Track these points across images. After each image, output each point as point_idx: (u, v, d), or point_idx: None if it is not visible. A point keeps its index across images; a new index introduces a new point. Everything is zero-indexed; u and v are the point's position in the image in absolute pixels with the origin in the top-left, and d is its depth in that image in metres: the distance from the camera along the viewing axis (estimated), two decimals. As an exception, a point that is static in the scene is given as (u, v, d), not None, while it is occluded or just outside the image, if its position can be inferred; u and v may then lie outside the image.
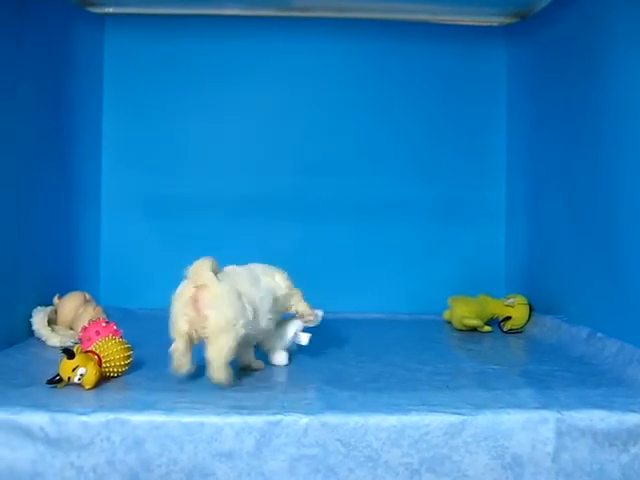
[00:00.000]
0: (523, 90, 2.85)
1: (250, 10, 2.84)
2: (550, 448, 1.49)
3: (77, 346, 1.76)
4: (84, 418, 1.45)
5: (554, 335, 2.36)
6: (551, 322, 2.44)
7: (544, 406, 1.54)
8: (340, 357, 2.10)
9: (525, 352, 2.34)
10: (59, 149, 2.59)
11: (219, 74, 2.91)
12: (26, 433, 1.44)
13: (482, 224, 2.97)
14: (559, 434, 1.49)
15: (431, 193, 2.95)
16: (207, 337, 1.68)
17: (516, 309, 2.61)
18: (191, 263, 1.73)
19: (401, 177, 2.94)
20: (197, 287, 1.69)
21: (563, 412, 1.51)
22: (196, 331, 1.69)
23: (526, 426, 1.49)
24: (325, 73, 2.94)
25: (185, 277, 1.72)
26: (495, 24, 2.96)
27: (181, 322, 1.69)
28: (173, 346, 1.70)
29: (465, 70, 2.97)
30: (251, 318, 1.75)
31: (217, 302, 1.68)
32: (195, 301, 1.68)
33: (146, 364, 1.94)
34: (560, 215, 2.49)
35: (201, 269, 1.69)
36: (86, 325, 1.96)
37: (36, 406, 1.49)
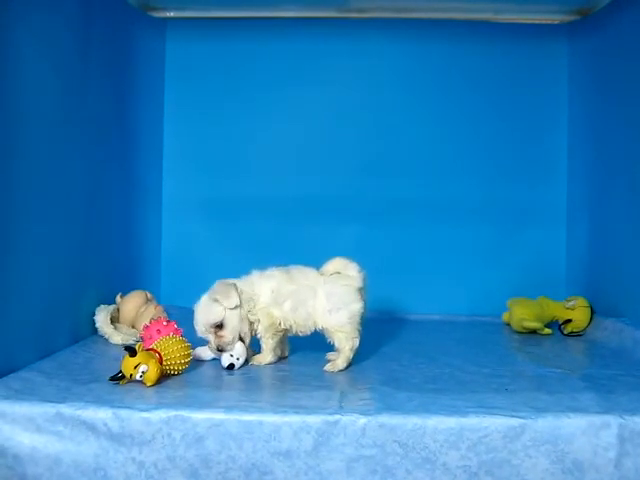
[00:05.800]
0: (585, 88, 2.80)
1: (307, 12, 2.85)
2: (612, 454, 1.46)
3: (139, 344, 1.79)
4: (146, 414, 1.48)
5: (616, 338, 2.31)
6: (613, 325, 2.39)
7: (606, 411, 1.51)
8: (398, 358, 2.09)
9: (586, 355, 2.29)
10: (122, 153, 2.63)
11: (278, 76, 2.93)
12: (90, 428, 1.48)
13: (543, 225, 2.93)
14: (622, 440, 1.46)
15: (491, 194, 2.92)
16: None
17: (577, 312, 2.56)
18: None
19: (461, 178, 2.92)
20: None
21: (626, 417, 1.48)
22: None
23: (587, 431, 1.47)
24: (384, 74, 2.94)
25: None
26: (556, 22, 2.91)
27: None
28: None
29: (526, 69, 2.92)
30: None
31: None
32: None
33: (205, 362, 1.97)
34: (623, 216, 2.44)
35: None
36: (147, 324, 2.01)
37: (100, 402, 1.53)
